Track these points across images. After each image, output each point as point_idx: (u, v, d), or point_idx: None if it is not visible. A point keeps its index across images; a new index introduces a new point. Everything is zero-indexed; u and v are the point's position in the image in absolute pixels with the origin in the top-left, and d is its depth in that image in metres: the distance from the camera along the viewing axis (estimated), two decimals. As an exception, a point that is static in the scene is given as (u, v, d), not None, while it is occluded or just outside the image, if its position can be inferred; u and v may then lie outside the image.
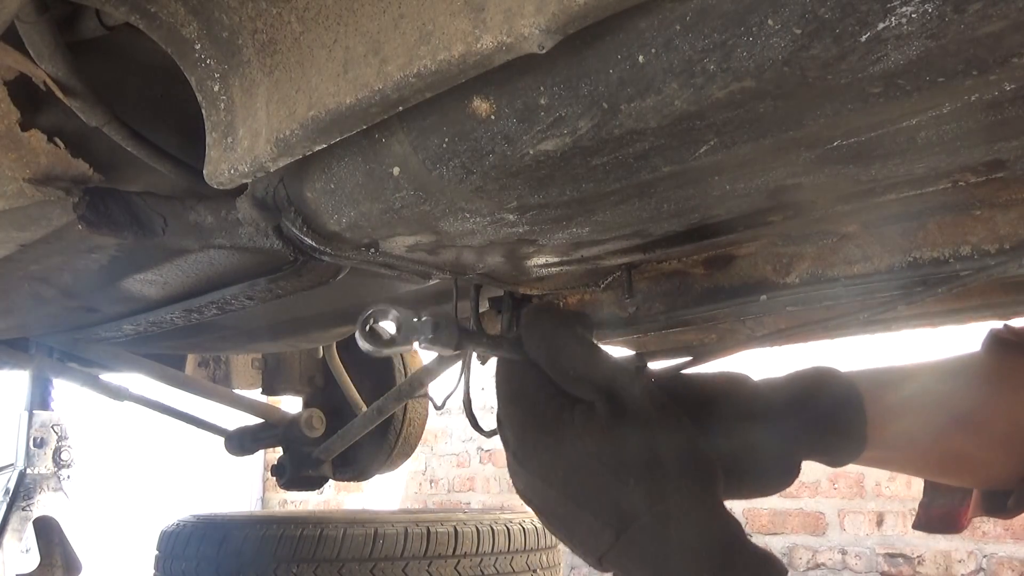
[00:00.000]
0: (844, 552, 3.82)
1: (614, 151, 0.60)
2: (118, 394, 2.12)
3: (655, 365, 0.76)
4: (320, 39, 0.61)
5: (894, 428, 0.75)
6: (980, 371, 0.82)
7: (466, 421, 1.16)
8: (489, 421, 1.17)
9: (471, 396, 1.02)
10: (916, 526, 0.91)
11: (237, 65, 0.67)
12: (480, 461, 5.04)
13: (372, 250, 0.83)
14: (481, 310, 1.30)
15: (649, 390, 0.66)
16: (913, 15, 0.43)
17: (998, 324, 0.86)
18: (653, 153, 0.61)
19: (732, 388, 0.74)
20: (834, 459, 0.75)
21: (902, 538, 3.64)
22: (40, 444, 2.14)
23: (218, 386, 2.35)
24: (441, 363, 1.83)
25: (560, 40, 0.48)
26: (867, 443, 0.74)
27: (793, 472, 0.73)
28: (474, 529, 2.12)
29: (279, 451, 2.40)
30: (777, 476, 0.73)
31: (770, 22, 0.45)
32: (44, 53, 0.74)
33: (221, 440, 2.37)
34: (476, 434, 4.94)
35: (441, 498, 5.22)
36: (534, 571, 2.21)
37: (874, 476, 3.72)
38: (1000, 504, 0.81)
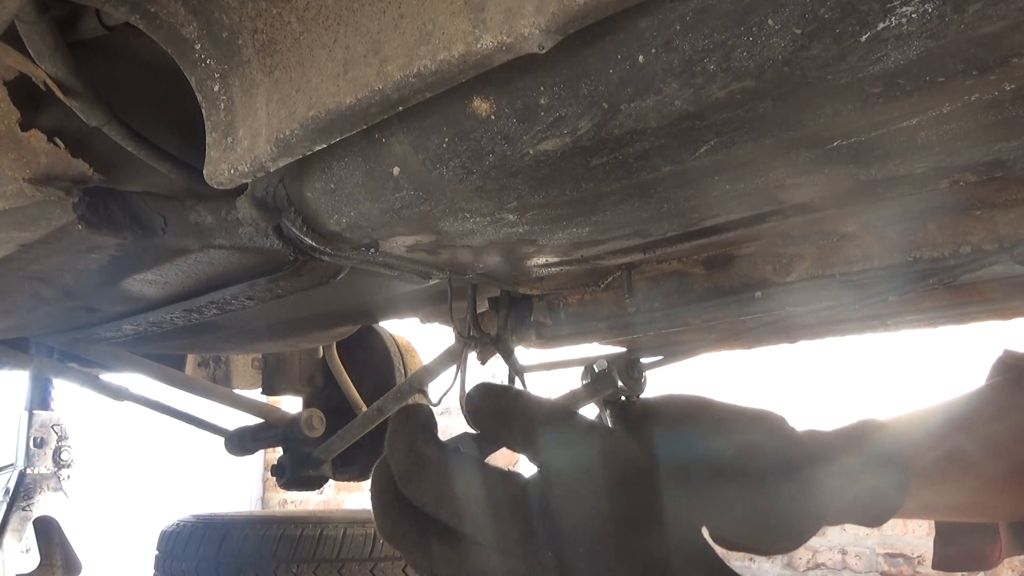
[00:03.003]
0: (844, 552, 3.81)
1: (614, 151, 0.60)
2: (118, 394, 2.12)
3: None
4: (320, 39, 0.61)
5: (935, 480, 0.72)
6: (995, 406, 0.80)
7: (467, 422, 1.16)
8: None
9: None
10: (936, 566, 0.88)
11: (237, 65, 0.67)
12: (480, 461, 5.03)
13: (372, 250, 0.83)
14: (481, 310, 1.30)
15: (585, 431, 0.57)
16: (913, 15, 0.43)
17: (999, 352, 0.85)
18: (653, 153, 0.61)
19: (762, 430, 0.70)
20: (868, 519, 0.72)
21: (902, 538, 3.64)
22: (40, 444, 2.14)
23: (218, 386, 2.34)
24: (441, 363, 1.83)
25: (560, 40, 0.48)
26: (908, 495, 0.71)
27: (814, 528, 0.69)
28: (474, 529, 2.12)
29: (279, 451, 2.40)
30: (794, 534, 0.68)
31: (770, 22, 0.45)
32: (44, 53, 0.74)
33: (221, 440, 2.37)
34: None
35: (441, 498, 5.20)
36: (534, 571, 2.20)
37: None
38: None
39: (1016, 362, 0.82)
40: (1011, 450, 0.75)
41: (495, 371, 4.64)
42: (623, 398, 0.71)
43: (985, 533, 0.85)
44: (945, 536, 0.88)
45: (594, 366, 0.71)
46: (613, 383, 0.69)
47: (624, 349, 1.53)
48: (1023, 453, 0.75)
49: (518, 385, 1.19)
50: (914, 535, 3.63)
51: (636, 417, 0.69)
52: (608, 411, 0.71)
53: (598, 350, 1.53)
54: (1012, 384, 0.81)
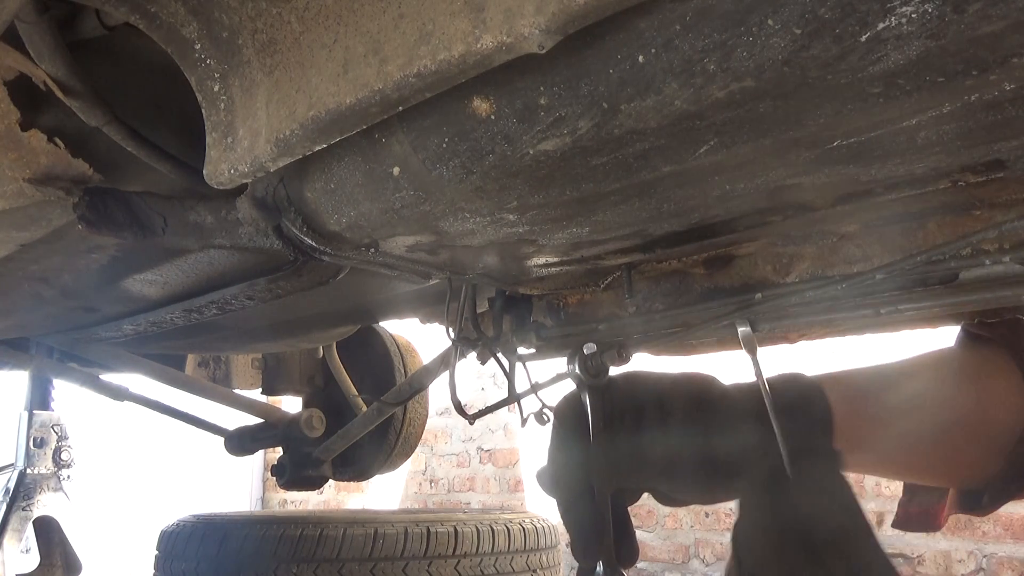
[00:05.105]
0: (844, 552, 3.81)
1: (614, 151, 0.60)
2: (118, 394, 2.12)
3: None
4: (320, 39, 0.61)
5: (862, 434, 0.75)
6: (952, 369, 0.81)
7: (467, 422, 1.16)
8: (472, 408, 1.16)
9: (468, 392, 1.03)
10: (895, 524, 0.91)
11: (237, 65, 0.67)
12: (480, 461, 5.04)
13: (372, 250, 0.83)
14: (481, 310, 1.30)
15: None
16: (913, 15, 0.43)
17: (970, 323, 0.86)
18: (653, 153, 0.61)
19: (699, 391, 0.74)
20: None
21: (902, 538, 3.64)
22: (40, 444, 2.14)
23: (218, 386, 2.35)
24: (440, 363, 1.83)
25: (560, 40, 0.48)
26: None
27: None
28: (474, 529, 2.12)
29: (279, 451, 2.40)
30: (737, 484, 0.73)
31: (770, 22, 0.45)
32: (44, 53, 0.74)
33: (221, 440, 2.37)
34: (476, 434, 4.91)
35: (441, 498, 5.21)
36: (534, 571, 2.21)
37: (874, 476, 3.71)
38: (975, 501, 0.81)
39: (975, 330, 0.83)
40: (923, 407, 0.77)
41: (495, 371, 4.63)
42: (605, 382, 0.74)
43: (940, 495, 0.86)
44: (909, 496, 0.89)
45: (583, 349, 0.73)
46: (602, 368, 0.71)
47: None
48: (944, 413, 0.77)
49: (517, 383, 1.19)
50: (914, 535, 3.63)
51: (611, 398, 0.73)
52: (589, 394, 0.73)
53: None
54: (955, 349, 0.82)
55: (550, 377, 1.03)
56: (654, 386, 0.74)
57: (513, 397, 1.06)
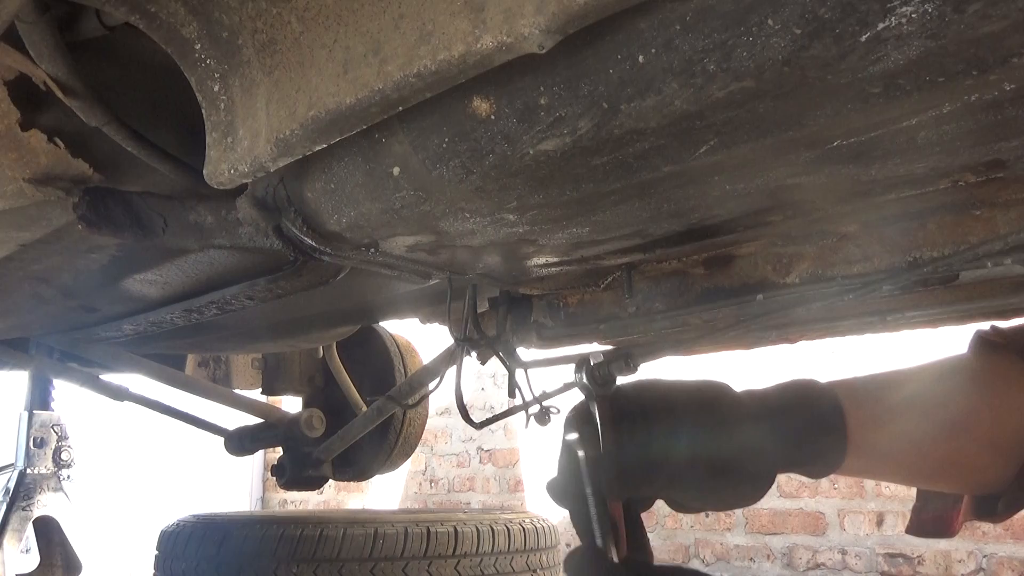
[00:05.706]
0: (844, 552, 3.81)
1: (614, 151, 0.60)
2: (118, 394, 2.12)
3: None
4: (320, 39, 0.61)
5: (875, 439, 0.75)
6: (965, 375, 0.81)
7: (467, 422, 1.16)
8: (479, 416, 1.17)
9: (466, 395, 1.03)
10: (909, 531, 0.91)
11: (237, 65, 0.67)
12: (480, 461, 5.04)
13: (372, 250, 0.83)
14: (481, 310, 1.30)
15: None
16: (913, 15, 0.43)
17: (985, 326, 0.85)
18: (653, 153, 0.61)
19: (711, 398, 0.74)
20: (811, 472, 0.75)
21: (902, 538, 3.64)
22: (40, 444, 2.14)
23: (218, 386, 2.35)
24: (441, 363, 1.82)
25: (560, 40, 0.48)
26: (847, 455, 0.74)
27: (767, 485, 0.73)
28: (474, 529, 2.12)
29: (279, 451, 2.40)
30: (750, 490, 0.73)
31: (770, 22, 0.45)
32: (44, 53, 0.74)
33: (221, 440, 2.37)
34: (476, 434, 4.89)
35: (441, 498, 5.21)
36: (534, 571, 2.21)
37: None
38: (990, 507, 0.81)
39: (989, 336, 0.83)
40: (935, 412, 0.77)
41: (495, 371, 4.63)
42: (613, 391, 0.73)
43: (955, 501, 0.86)
44: (923, 502, 0.89)
45: (590, 359, 0.73)
46: (609, 377, 0.71)
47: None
48: (956, 419, 0.76)
49: (518, 383, 1.19)
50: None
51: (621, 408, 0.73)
52: (596, 404, 0.72)
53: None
54: (968, 355, 0.82)
55: (557, 384, 1.03)
56: (663, 394, 0.74)
57: (521, 405, 1.06)
